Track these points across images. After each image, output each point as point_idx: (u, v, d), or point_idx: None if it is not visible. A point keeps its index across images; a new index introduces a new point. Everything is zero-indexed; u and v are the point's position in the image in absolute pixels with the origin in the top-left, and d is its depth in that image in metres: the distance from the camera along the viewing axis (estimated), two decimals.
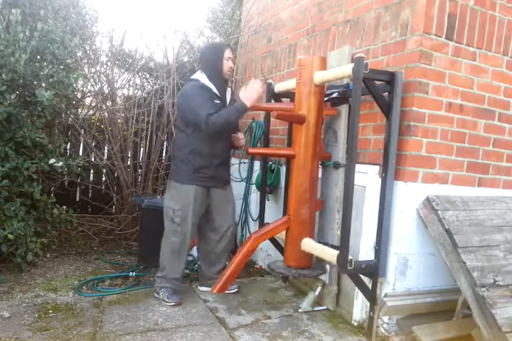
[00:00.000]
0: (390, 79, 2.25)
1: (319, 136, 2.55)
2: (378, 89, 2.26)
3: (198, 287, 3.02)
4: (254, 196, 3.68)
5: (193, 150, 2.66)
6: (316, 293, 2.78)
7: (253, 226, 3.66)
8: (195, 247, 3.41)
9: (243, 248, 2.52)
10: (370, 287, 2.36)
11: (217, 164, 2.73)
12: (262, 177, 3.15)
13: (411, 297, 2.40)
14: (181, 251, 2.74)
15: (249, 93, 2.57)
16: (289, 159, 2.71)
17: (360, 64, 2.10)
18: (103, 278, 3.11)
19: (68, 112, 4.01)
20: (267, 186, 3.28)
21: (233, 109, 2.58)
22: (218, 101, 2.67)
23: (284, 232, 2.61)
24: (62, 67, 3.14)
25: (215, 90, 2.67)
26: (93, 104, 4.49)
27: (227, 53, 2.71)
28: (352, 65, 2.14)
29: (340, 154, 2.69)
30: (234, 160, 4.00)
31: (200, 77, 2.68)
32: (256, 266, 3.65)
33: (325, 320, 2.63)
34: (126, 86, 4.60)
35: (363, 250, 2.52)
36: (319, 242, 2.57)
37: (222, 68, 2.69)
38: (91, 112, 4.58)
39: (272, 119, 3.03)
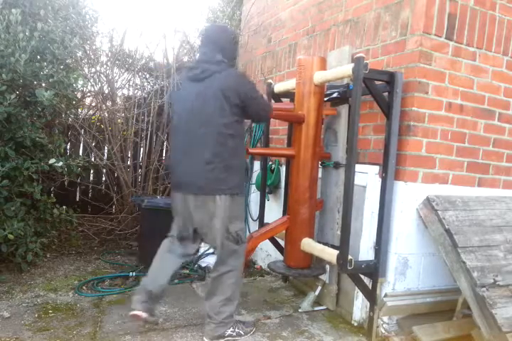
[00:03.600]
0: (390, 79, 2.25)
1: (319, 136, 2.55)
2: (378, 89, 2.26)
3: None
4: (254, 196, 3.68)
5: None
6: (316, 292, 2.79)
7: (253, 226, 3.66)
8: (201, 246, 3.36)
9: None
10: (370, 287, 2.36)
11: None
12: (262, 177, 3.15)
13: (411, 297, 2.40)
14: None
15: None
16: (289, 159, 2.71)
17: (360, 64, 2.10)
18: (103, 278, 3.11)
19: (68, 112, 4.01)
20: (267, 186, 3.28)
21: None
22: None
23: (284, 232, 2.61)
24: (62, 67, 3.15)
25: None
26: (93, 104, 4.50)
27: None
28: (352, 65, 2.14)
29: (340, 154, 2.69)
30: None
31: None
32: (256, 266, 3.65)
33: (325, 320, 2.63)
34: (126, 86, 4.61)
35: (363, 250, 2.52)
36: (319, 242, 2.57)
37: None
38: (91, 112, 4.59)
39: (272, 119, 3.02)
